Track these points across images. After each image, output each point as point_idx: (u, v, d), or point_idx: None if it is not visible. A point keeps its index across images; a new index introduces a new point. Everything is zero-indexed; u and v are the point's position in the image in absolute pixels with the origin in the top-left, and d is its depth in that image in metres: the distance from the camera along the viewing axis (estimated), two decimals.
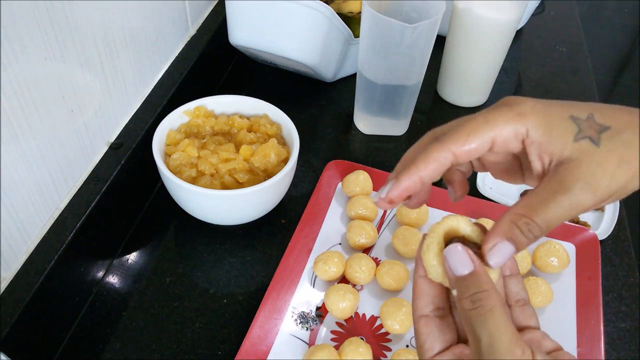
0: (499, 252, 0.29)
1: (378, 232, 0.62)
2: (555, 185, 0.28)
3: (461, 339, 0.33)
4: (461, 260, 0.30)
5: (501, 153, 0.32)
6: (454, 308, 0.34)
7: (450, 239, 0.32)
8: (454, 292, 0.30)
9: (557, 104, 0.30)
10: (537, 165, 0.30)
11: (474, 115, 0.31)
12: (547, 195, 0.28)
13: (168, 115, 0.61)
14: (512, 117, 0.30)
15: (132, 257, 0.59)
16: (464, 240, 0.32)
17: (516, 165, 0.34)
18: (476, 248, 0.31)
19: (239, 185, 0.57)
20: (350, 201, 0.62)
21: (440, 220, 0.33)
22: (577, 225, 0.61)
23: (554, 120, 0.29)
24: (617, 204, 0.65)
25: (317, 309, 0.55)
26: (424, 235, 0.33)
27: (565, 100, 0.31)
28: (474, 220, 0.60)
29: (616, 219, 0.64)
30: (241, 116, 0.64)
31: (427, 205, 0.63)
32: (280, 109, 0.63)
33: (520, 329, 0.33)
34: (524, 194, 0.67)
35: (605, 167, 0.28)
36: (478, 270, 0.30)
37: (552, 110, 0.30)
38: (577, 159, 0.28)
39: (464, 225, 0.33)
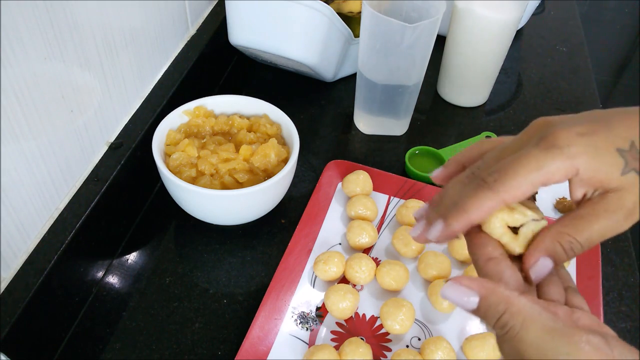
0: (539, 268, 0.31)
1: (378, 232, 0.62)
2: (600, 211, 0.30)
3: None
4: (462, 295, 0.30)
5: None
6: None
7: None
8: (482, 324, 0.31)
9: (602, 135, 0.30)
10: (577, 194, 0.31)
11: (523, 155, 0.30)
12: (592, 218, 0.30)
13: (168, 115, 0.61)
14: (564, 163, 0.30)
15: (132, 257, 0.59)
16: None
17: None
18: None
19: (239, 185, 0.57)
20: (350, 201, 0.62)
21: None
22: None
23: (602, 156, 0.30)
24: None
25: (317, 309, 0.55)
26: None
27: (604, 120, 0.31)
28: None
29: None
30: (241, 116, 0.64)
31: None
32: (280, 109, 0.63)
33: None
34: None
35: None
36: (485, 294, 0.29)
37: (599, 144, 0.30)
38: (623, 190, 0.30)
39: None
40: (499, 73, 0.80)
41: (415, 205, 0.61)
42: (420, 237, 0.34)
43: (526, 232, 0.32)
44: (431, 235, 0.33)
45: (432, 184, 0.68)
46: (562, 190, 0.68)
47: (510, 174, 0.30)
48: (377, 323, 0.54)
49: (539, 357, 0.27)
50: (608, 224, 0.30)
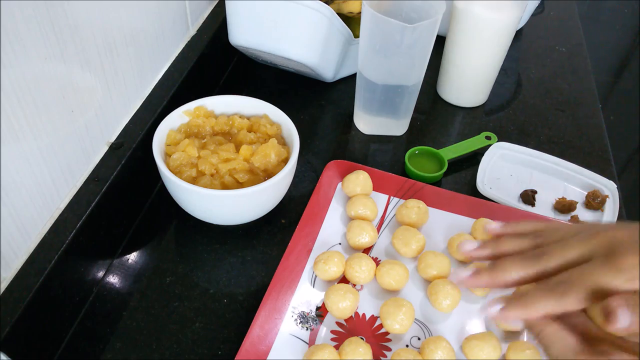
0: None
1: (378, 232, 0.62)
2: None
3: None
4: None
5: None
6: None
7: None
8: None
9: None
10: None
11: (589, 272, 0.35)
12: None
13: (168, 115, 0.61)
14: (627, 284, 0.34)
15: (132, 257, 0.59)
16: None
17: None
18: None
19: (239, 185, 0.57)
20: (350, 201, 0.62)
21: None
22: None
23: None
24: (617, 203, 0.65)
25: (317, 308, 0.55)
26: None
27: None
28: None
29: (616, 219, 0.64)
30: (241, 116, 0.65)
31: (427, 205, 0.63)
32: (280, 109, 0.64)
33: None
34: (523, 194, 0.67)
35: None
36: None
37: None
38: None
39: None
40: (499, 73, 0.80)
41: (415, 205, 0.61)
42: (467, 282, 0.42)
43: None
44: (493, 309, 0.38)
45: (432, 184, 0.68)
46: (561, 190, 0.68)
47: (576, 288, 0.34)
48: (377, 323, 0.54)
49: None
50: None
